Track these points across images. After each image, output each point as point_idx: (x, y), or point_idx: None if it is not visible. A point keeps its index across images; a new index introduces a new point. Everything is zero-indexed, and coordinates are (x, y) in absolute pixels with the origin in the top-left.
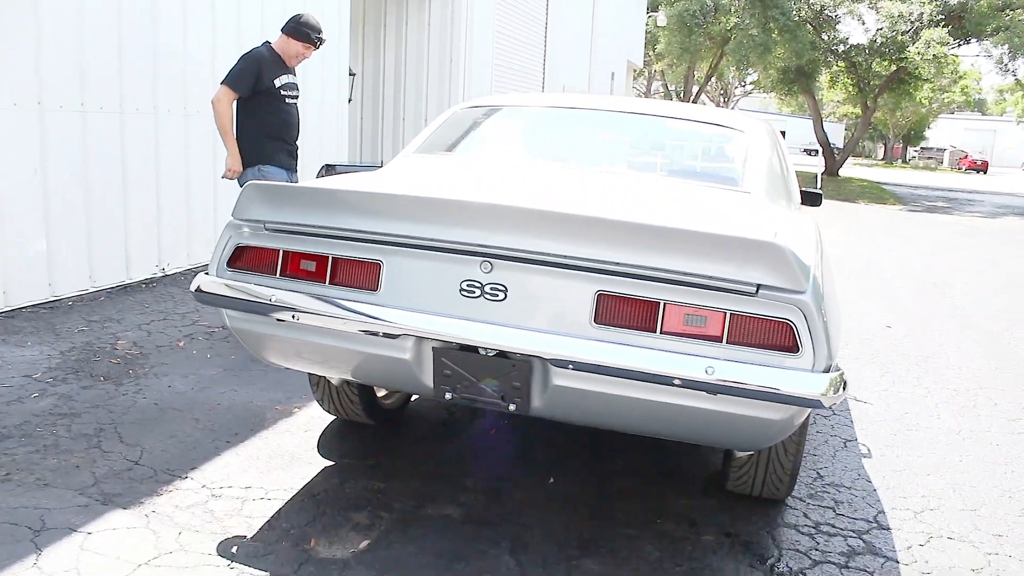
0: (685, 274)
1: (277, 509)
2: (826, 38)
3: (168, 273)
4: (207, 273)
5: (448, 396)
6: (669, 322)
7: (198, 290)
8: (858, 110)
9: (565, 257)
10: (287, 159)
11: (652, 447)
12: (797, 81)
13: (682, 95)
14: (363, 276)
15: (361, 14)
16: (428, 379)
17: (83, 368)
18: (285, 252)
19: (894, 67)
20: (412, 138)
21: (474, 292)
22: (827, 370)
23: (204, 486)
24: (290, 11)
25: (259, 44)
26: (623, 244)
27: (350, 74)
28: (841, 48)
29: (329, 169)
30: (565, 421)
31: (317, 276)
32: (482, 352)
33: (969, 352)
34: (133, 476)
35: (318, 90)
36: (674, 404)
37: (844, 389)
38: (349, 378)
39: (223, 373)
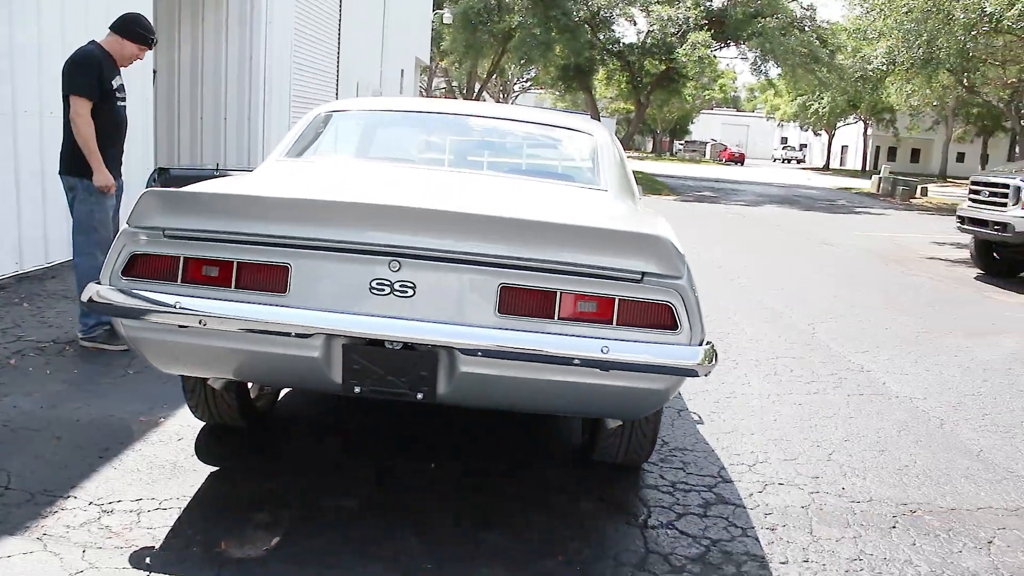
0: (579, 265)
1: (176, 518)
2: (602, 38)
3: None
4: (98, 282)
5: (357, 390)
6: (565, 309)
7: (90, 300)
8: (629, 106)
9: (470, 254)
10: (116, 166)
11: (516, 426)
12: (576, 78)
13: (465, 92)
14: (271, 279)
15: (152, 8)
16: (337, 375)
17: None
18: (186, 259)
19: (664, 66)
20: (204, 139)
21: (384, 290)
22: (701, 344)
23: (91, 503)
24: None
25: (85, 43)
26: (523, 240)
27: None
28: (616, 48)
29: (163, 173)
30: (470, 406)
31: (221, 281)
32: (388, 346)
33: (760, 327)
34: (8, 501)
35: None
36: (572, 382)
37: (716, 360)
38: (252, 380)
39: (69, 388)
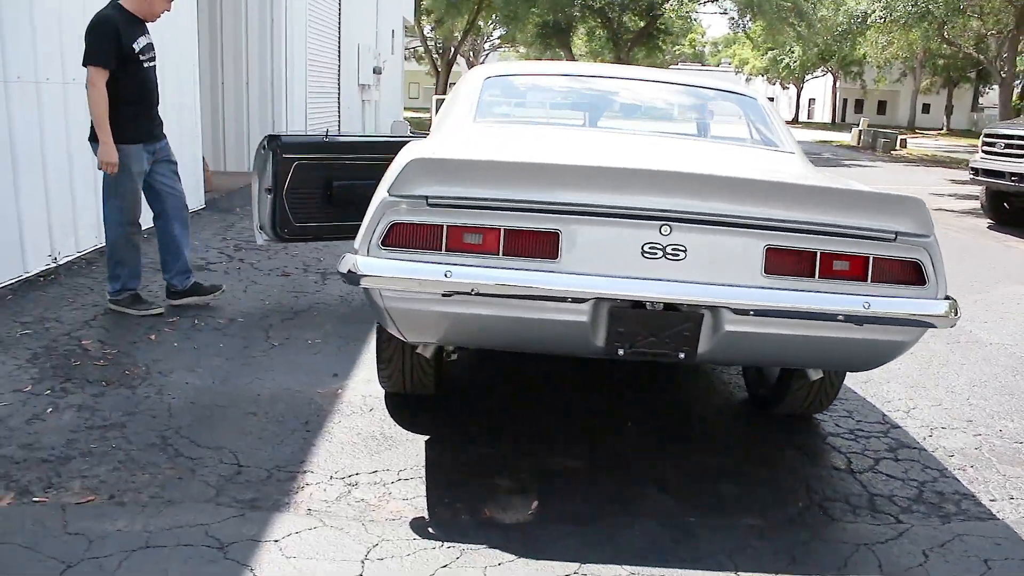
0: (839, 226)
1: (424, 488)
2: None
3: (61, 263)
4: (355, 253)
5: (620, 352)
6: (824, 268)
7: (349, 272)
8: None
9: (738, 217)
10: (147, 131)
11: (674, 387)
12: (555, 36)
13: (443, 51)
14: (541, 246)
15: None
16: (600, 339)
17: (71, 375)
18: (450, 227)
19: (643, 22)
20: (224, 106)
21: (656, 253)
22: (947, 298)
23: (331, 477)
24: None
25: (104, 7)
26: (789, 203)
27: None
28: (597, 4)
29: (273, 140)
30: (723, 363)
31: (487, 249)
32: (650, 307)
33: None
34: (250, 479)
35: (171, 51)
36: (826, 337)
37: (958, 312)
38: (508, 347)
39: (227, 363)
